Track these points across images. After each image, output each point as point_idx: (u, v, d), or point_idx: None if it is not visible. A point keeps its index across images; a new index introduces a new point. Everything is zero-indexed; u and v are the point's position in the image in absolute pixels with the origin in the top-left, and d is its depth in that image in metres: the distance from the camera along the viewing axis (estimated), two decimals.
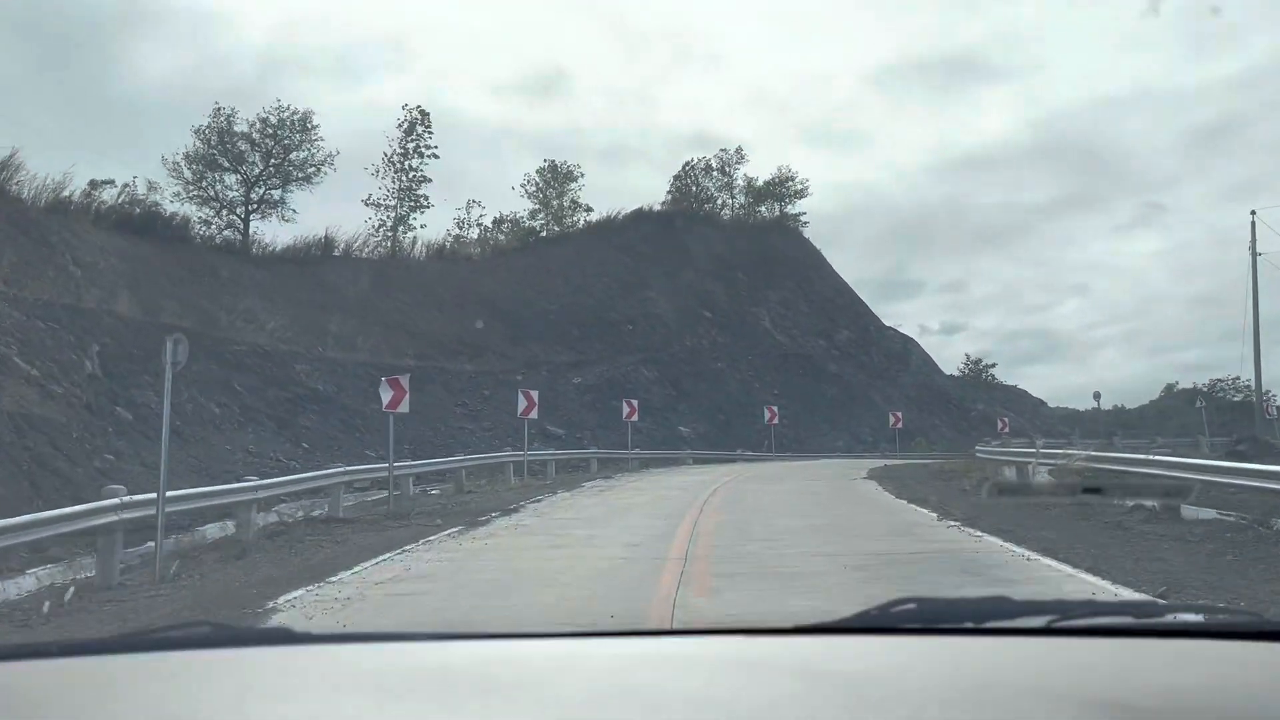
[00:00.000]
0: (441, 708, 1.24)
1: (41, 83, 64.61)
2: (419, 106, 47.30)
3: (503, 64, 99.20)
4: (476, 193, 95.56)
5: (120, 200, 36.02)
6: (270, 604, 7.47)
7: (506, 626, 5.27)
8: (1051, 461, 15.41)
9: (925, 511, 12.98)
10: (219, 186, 41.47)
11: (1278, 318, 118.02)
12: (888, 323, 63.06)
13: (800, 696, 1.25)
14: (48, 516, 9.23)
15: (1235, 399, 76.66)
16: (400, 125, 46.96)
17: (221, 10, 78.89)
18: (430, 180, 47.11)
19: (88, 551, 9.69)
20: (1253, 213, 48.12)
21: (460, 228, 51.19)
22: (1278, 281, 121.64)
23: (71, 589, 8.49)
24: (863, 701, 1.21)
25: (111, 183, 36.72)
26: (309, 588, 8.17)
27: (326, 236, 43.15)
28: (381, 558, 9.95)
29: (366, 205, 46.98)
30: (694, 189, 62.30)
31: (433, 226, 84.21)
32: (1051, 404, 59.15)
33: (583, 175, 55.85)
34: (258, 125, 41.50)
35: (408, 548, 10.73)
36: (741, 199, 64.66)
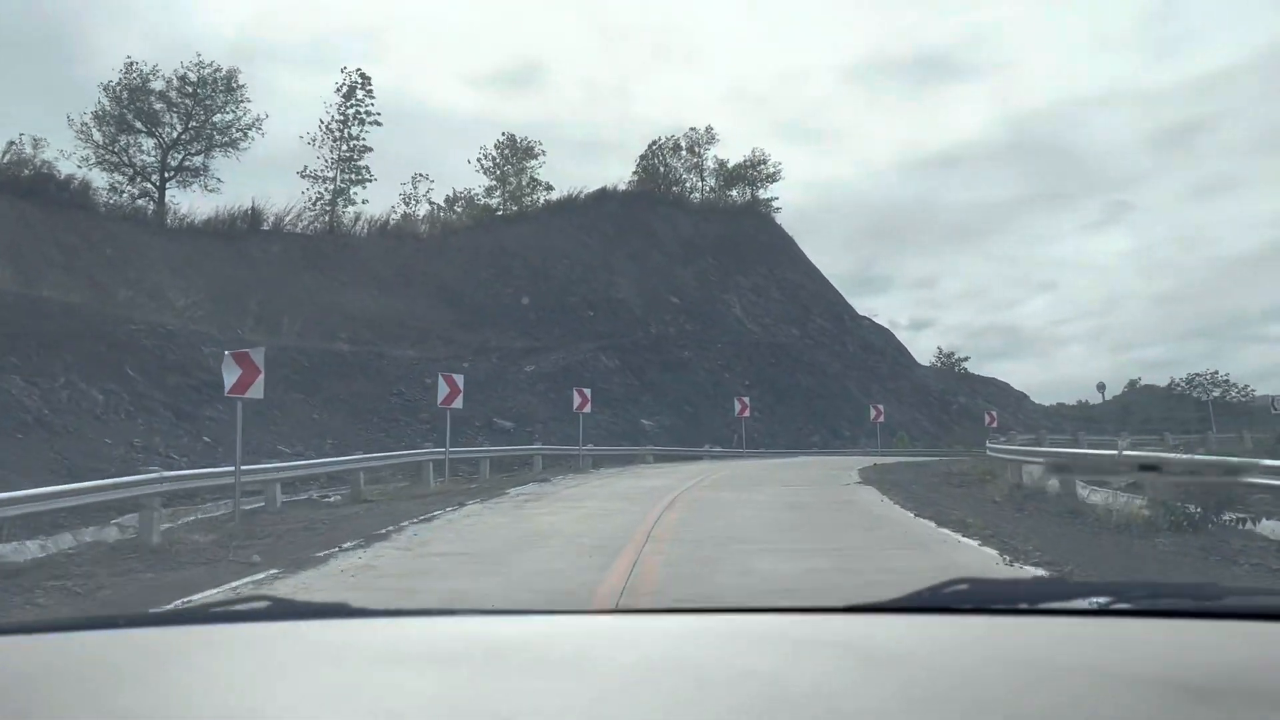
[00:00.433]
0: (492, 679, 1.25)
1: None
2: (359, 69, 42.55)
3: (478, 55, 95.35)
4: (449, 184, 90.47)
5: (4, 159, 30.98)
6: None
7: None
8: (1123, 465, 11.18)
9: (973, 544, 8.66)
10: (132, 150, 36.48)
11: (1240, 315, 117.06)
12: (862, 312, 59.11)
13: (851, 674, 1.23)
14: None
15: (1214, 394, 73.49)
16: (339, 89, 42.15)
17: None
18: (372, 150, 42.35)
19: None
20: None
21: (407, 204, 46.44)
22: (1242, 281, 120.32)
23: None
24: (914, 679, 1.19)
25: None
26: None
27: (253, 209, 38.34)
28: None
29: (303, 177, 42.11)
30: (662, 170, 57.94)
31: (379, 203, 79.38)
32: (1034, 398, 55.45)
33: (544, 152, 51.28)
34: (176, 84, 36.52)
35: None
36: (712, 182, 60.41)
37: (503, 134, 51.38)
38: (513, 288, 44.94)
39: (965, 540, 8.87)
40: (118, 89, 35.75)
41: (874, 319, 58.61)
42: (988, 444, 20.10)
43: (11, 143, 32.32)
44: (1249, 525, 8.90)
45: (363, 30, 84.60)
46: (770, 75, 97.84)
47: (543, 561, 7.99)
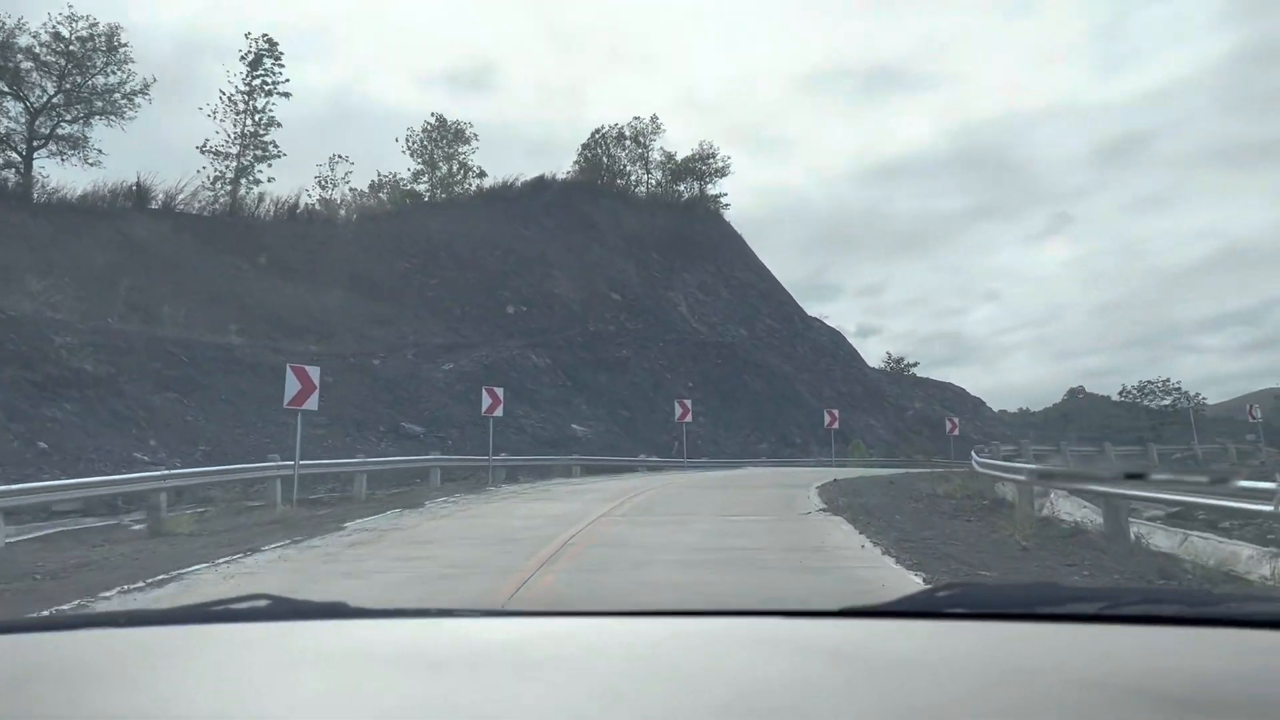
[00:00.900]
0: (487, 680, 1.24)
1: None
2: (266, 35, 37.68)
3: (430, 56, 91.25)
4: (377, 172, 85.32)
5: None
6: None
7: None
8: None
9: None
10: None
11: (1176, 325, 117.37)
12: (811, 313, 55.46)
13: (841, 678, 1.21)
14: None
15: (1164, 402, 71.23)
16: (244, 57, 37.26)
17: None
18: (280, 125, 37.52)
19: None
20: None
21: (323, 187, 41.63)
22: (1179, 292, 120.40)
23: None
24: (904, 684, 1.16)
25: None
26: None
27: (139, 184, 33.30)
28: None
29: (203, 153, 37.14)
30: (605, 161, 53.76)
31: (291, 186, 74.13)
32: (993, 405, 52.21)
33: (476, 137, 46.77)
34: (47, 41, 31.41)
35: None
36: (658, 175, 56.39)
37: (432, 114, 46.74)
38: (437, 279, 40.37)
39: None
40: None
41: (825, 320, 55.02)
42: (975, 457, 16.17)
43: None
44: None
45: (313, 27, 79.75)
46: (722, 82, 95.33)
47: None
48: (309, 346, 32.86)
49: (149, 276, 30.92)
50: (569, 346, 35.04)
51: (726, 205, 57.41)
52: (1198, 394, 69.88)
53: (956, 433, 34.38)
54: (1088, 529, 9.24)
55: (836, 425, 32.22)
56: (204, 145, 36.85)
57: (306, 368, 15.18)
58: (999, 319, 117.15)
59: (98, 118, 32.58)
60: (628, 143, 53.04)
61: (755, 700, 1.10)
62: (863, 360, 52.76)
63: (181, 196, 33.73)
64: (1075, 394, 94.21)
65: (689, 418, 29.02)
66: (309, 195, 40.93)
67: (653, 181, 55.65)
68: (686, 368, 37.35)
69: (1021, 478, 11.40)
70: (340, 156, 45.51)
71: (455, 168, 46.27)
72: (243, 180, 36.76)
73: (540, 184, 48.25)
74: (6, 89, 31.27)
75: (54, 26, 31.21)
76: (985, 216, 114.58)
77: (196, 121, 49.83)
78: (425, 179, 45.16)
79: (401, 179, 44.57)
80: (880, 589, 6.59)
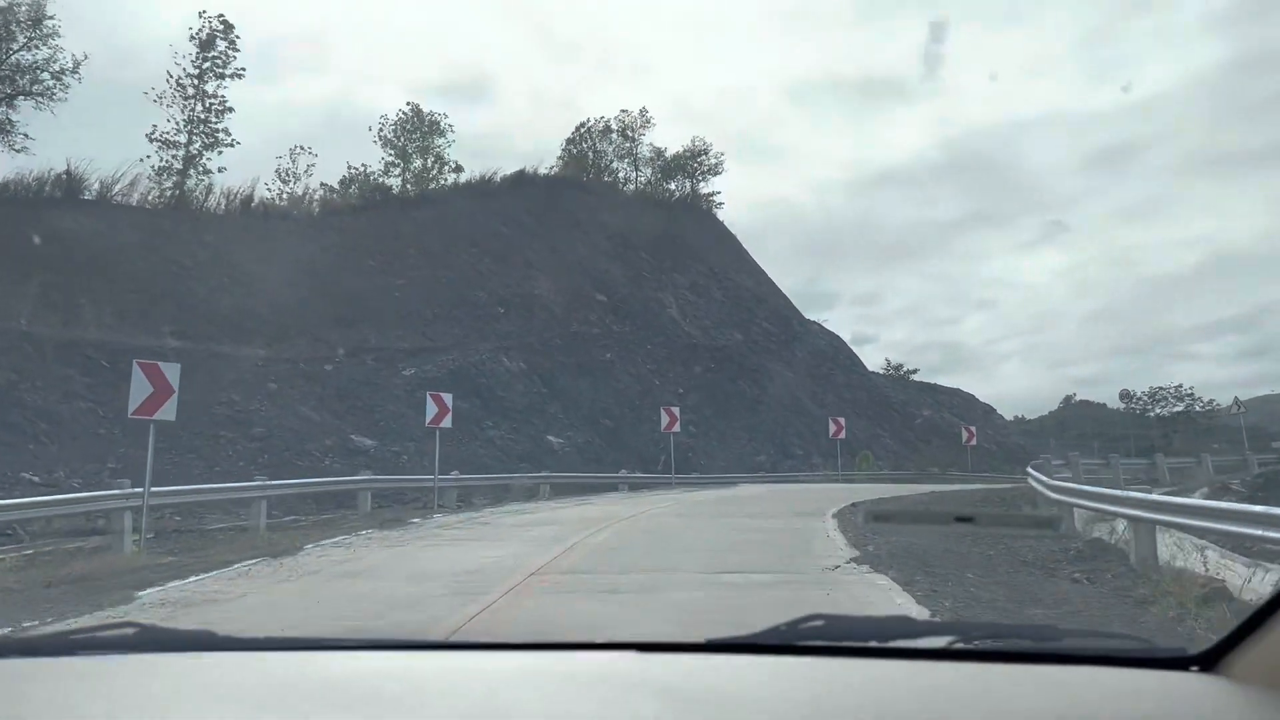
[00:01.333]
0: (353, 714, 1.21)
1: None
2: (221, 15, 33.98)
3: (423, 68, 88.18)
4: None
5: None
6: None
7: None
8: None
9: None
10: None
11: (1168, 333, 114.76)
12: (810, 316, 51.71)
13: (695, 716, 1.19)
14: None
15: (1176, 409, 67.53)
16: (194, 38, 33.55)
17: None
18: (233, 110, 33.81)
19: None
20: None
21: (283, 180, 37.90)
22: (1171, 300, 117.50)
23: None
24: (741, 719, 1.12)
25: None
26: None
27: (69, 173, 29.52)
28: None
29: (151, 140, 33.40)
30: (591, 156, 50.10)
31: (245, 178, 70.16)
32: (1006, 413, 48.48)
33: (452, 129, 43.10)
34: None
35: None
36: (647, 172, 52.74)
37: (407, 104, 43.05)
38: (405, 278, 36.57)
39: None
40: None
41: (824, 324, 51.27)
42: (1036, 474, 12.37)
43: None
44: None
45: (307, 37, 76.61)
46: (715, 92, 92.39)
47: None
48: (256, 350, 29.05)
49: (72, 273, 27.13)
50: (546, 349, 31.26)
51: (720, 204, 53.82)
52: (1211, 400, 66.22)
53: (974, 443, 30.66)
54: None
55: (843, 435, 28.46)
56: (152, 133, 33.07)
57: (161, 365, 11.38)
58: (992, 327, 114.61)
59: (23, 98, 28.81)
60: (615, 137, 49.42)
61: None
62: (864, 366, 49.08)
63: (119, 187, 29.96)
64: (1069, 401, 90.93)
65: (677, 427, 25.28)
66: (268, 189, 37.16)
67: (642, 179, 52.02)
68: (677, 373, 33.59)
69: (1149, 515, 7.59)
70: (302, 148, 41.76)
71: (430, 162, 42.54)
72: (192, 171, 32.97)
73: (521, 179, 44.57)
74: None
75: None
76: (978, 225, 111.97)
77: (149, 110, 45.66)
78: (397, 172, 41.42)
79: (373, 172, 40.83)
80: None
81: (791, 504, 14.93)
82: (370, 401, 26.67)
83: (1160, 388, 66.99)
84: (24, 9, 28.36)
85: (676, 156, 53.05)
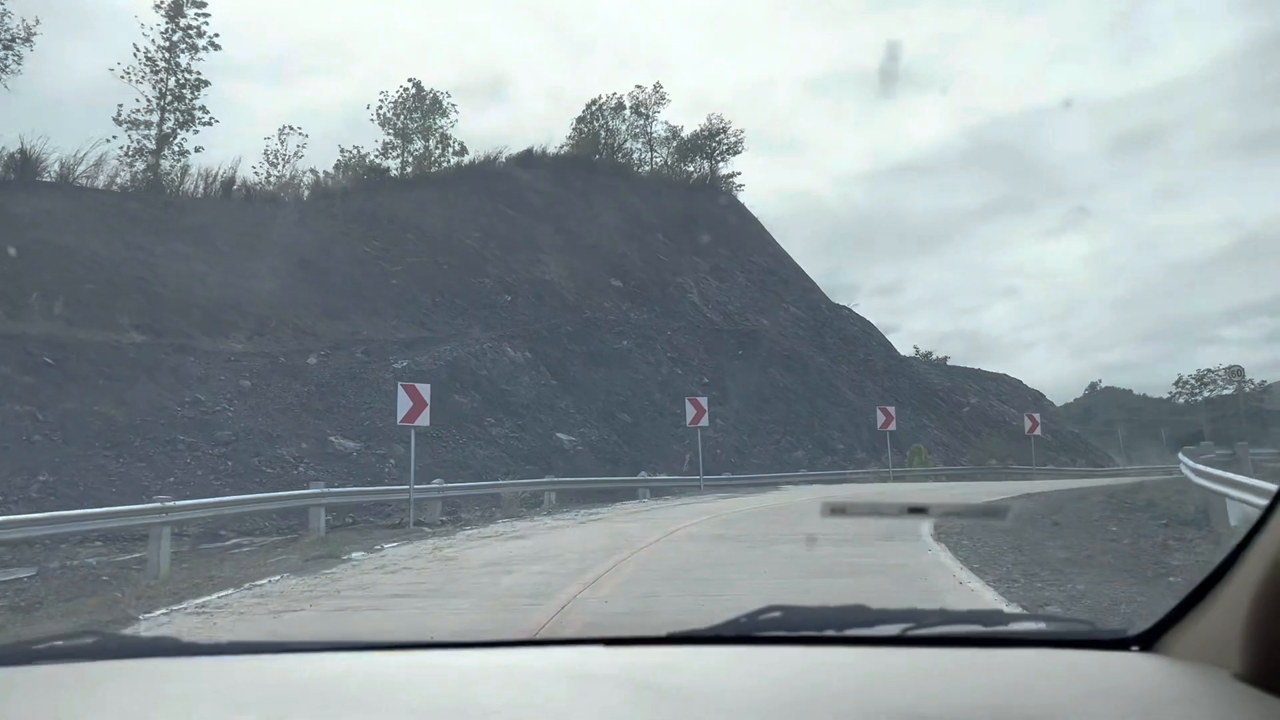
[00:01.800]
0: (328, 715, 1.21)
1: None
2: None
3: (442, 69, 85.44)
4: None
5: None
6: None
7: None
8: None
9: None
10: None
11: (1196, 317, 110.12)
12: (836, 300, 47.72)
13: (650, 704, 1.20)
14: None
15: (1226, 391, 62.96)
16: (159, 6, 30.14)
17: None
18: (209, 83, 30.41)
19: None
20: None
21: (272, 163, 34.50)
22: (1198, 284, 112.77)
23: None
24: (713, 708, 1.18)
25: None
26: None
27: (24, 152, 26.24)
28: None
29: (119, 123, 30.06)
30: (603, 135, 46.42)
31: (228, 159, 66.92)
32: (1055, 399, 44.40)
33: (455, 109, 39.58)
34: None
35: None
36: (664, 153, 49.02)
37: (409, 81, 39.53)
38: (403, 265, 33.10)
39: None
40: None
41: (854, 309, 47.29)
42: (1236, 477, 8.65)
43: None
44: None
45: (325, 42, 73.82)
46: (733, 86, 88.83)
47: None
48: (232, 344, 25.64)
49: (20, 261, 23.80)
50: (555, 338, 27.63)
51: (741, 186, 50.00)
52: (1262, 381, 61.70)
53: (1038, 432, 26.73)
54: None
55: (893, 426, 24.63)
56: (118, 114, 29.71)
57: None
58: (1017, 315, 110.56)
59: None
60: (628, 114, 45.70)
61: None
62: (898, 352, 45.12)
63: (83, 169, 26.64)
64: (1094, 388, 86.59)
65: (705, 421, 21.59)
66: (256, 173, 33.76)
67: (658, 159, 48.29)
68: (700, 361, 29.87)
69: None
70: (291, 128, 38.36)
71: (434, 143, 39.03)
72: (166, 152, 29.59)
73: (529, 159, 40.99)
74: None
75: None
76: (1001, 213, 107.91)
77: (117, 89, 41.63)
78: (396, 153, 37.93)
79: (369, 154, 37.36)
80: None
81: (876, 532, 11.07)
82: (356, 399, 23.15)
83: (1209, 370, 62.55)
84: None
85: (694, 136, 49.35)
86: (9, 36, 25.64)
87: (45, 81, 57.70)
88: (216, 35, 30.72)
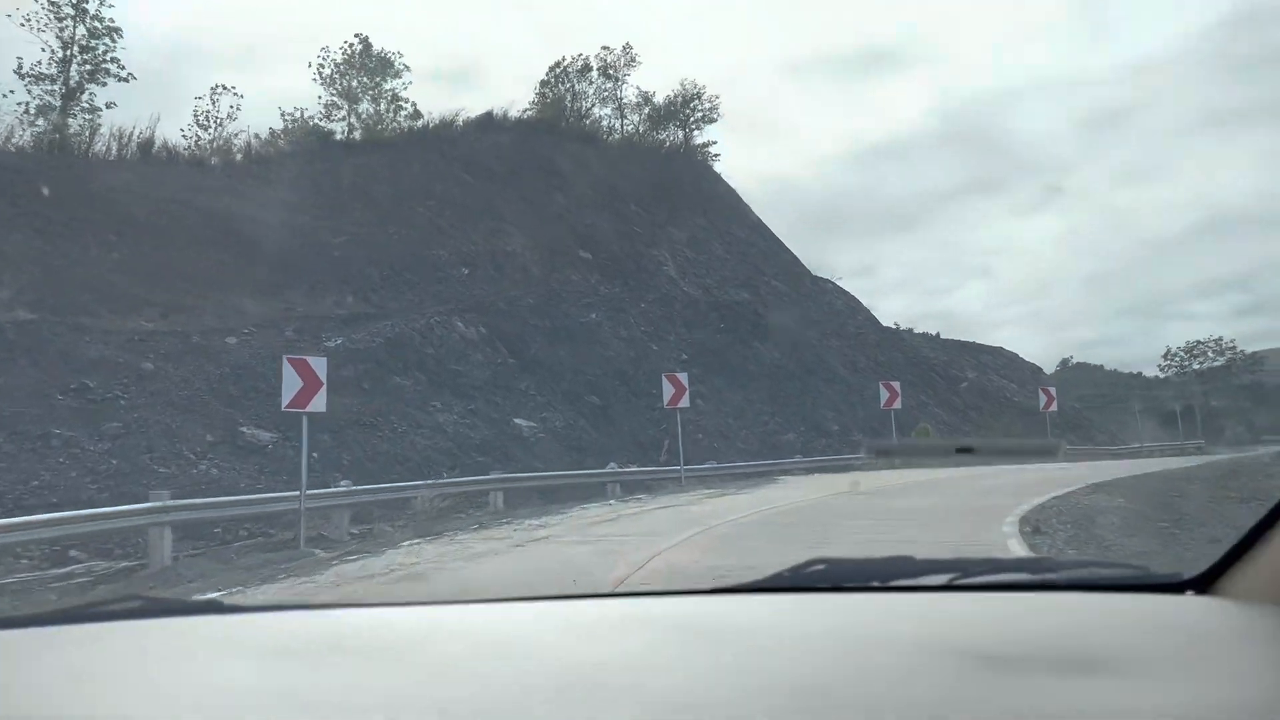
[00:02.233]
0: (363, 671, 1.21)
1: None
2: None
3: (416, 54, 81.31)
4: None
5: None
6: None
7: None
8: None
9: None
10: None
11: (1166, 293, 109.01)
12: (817, 274, 44.47)
13: (703, 651, 1.20)
14: None
15: (1216, 363, 60.44)
16: None
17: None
18: (121, 34, 26.55)
19: None
20: None
21: (203, 125, 30.63)
22: (1168, 260, 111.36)
23: None
24: (765, 655, 1.18)
25: None
26: None
27: None
28: None
29: (21, 77, 26.14)
30: (569, 100, 42.80)
31: (146, 119, 62.61)
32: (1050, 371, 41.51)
33: (408, 69, 35.80)
34: None
35: None
36: (635, 120, 45.47)
37: (355, 36, 35.63)
38: (346, 235, 29.44)
39: None
40: None
41: (837, 281, 44.13)
42: None
43: None
44: None
45: (301, 32, 69.65)
46: (709, 69, 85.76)
47: None
48: (141, 322, 21.96)
49: None
50: (513, 311, 24.16)
51: (717, 156, 46.59)
52: (1255, 352, 59.25)
53: (1053, 408, 23.65)
54: None
55: (898, 404, 21.42)
56: (19, 67, 25.78)
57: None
58: (990, 294, 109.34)
59: None
60: (595, 76, 42.08)
61: (616, 676, 1.08)
62: (884, 326, 42.01)
63: None
64: (1066, 364, 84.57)
65: (685, 401, 18.26)
66: (185, 136, 29.87)
67: (628, 126, 44.74)
68: (678, 335, 26.52)
69: None
70: (225, 87, 34.41)
71: (385, 106, 35.25)
72: (75, 110, 25.73)
73: (489, 123, 37.33)
74: None
75: None
76: (973, 192, 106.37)
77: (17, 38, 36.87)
78: (341, 115, 34.14)
79: (311, 115, 33.54)
80: None
81: (936, 520, 7.70)
82: (277, 383, 19.50)
83: (1199, 342, 60.02)
84: None
85: (668, 102, 45.85)
86: None
87: None
88: None
